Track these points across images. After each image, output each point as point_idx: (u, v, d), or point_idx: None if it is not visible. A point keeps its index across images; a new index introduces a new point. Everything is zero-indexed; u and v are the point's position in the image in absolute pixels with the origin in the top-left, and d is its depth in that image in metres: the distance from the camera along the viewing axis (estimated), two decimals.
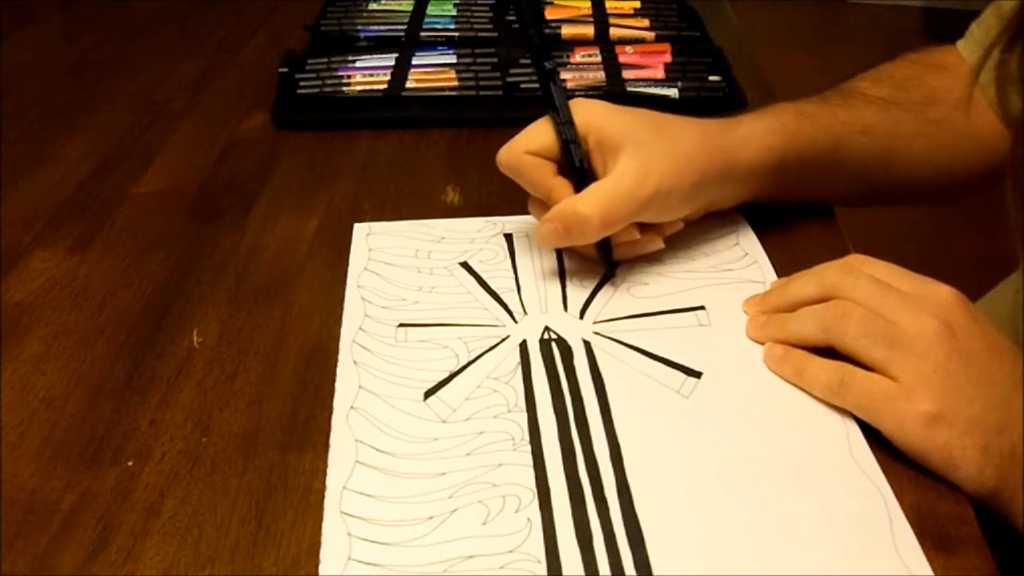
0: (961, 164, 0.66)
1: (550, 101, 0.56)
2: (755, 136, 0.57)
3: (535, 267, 0.59)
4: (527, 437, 0.47)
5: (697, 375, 0.50)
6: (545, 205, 0.56)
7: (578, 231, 0.54)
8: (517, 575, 0.40)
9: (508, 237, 0.62)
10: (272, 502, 0.44)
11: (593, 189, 0.54)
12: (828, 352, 0.49)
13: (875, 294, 0.48)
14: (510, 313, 0.55)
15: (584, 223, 0.53)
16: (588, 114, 0.55)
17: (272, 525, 0.43)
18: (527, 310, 0.55)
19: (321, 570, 0.40)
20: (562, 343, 0.53)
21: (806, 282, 0.51)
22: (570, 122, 0.55)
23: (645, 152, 0.54)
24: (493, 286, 0.57)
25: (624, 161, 0.54)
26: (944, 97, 0.65)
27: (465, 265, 0.59)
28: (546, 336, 0.53)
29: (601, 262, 0.57)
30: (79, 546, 0.42)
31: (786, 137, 0.58)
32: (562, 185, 0.55)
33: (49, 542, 0.42)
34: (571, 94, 0.57)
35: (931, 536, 0.41)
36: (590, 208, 0.53)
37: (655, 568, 0.40)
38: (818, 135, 0.59)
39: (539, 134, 0.56)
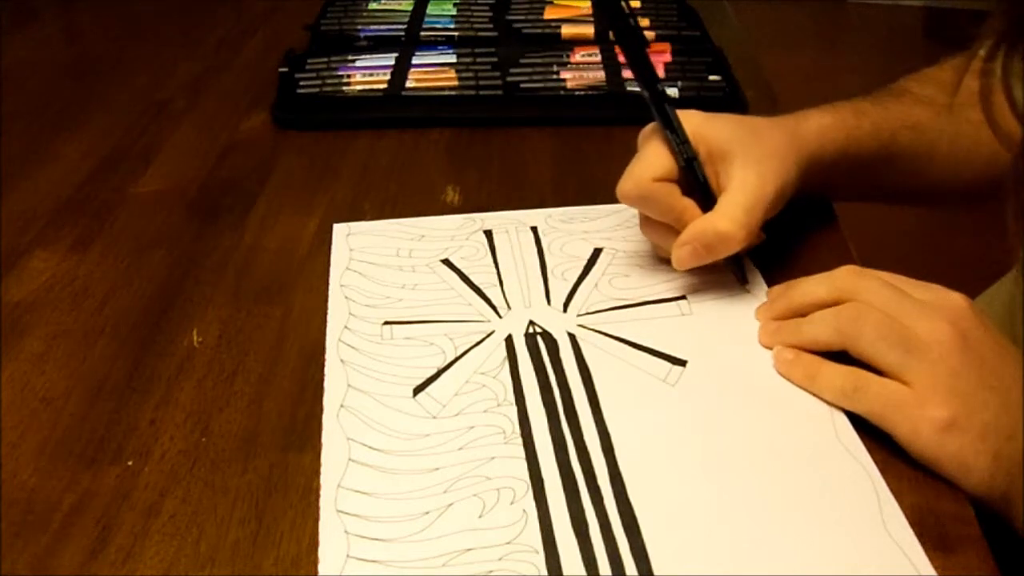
0: (999, 166, 0.67)
1: (667, 123, 0.54)
2: (822, 129, 0.59)
3: (516, 262, 0.59)
4: (518, 430, 0.47)
5: (682, 363, 0.51)
6: (668, 228, 0.55)
7: (722, 247, 0.53)
8: (515, 566, 0.40)
9: (488, 233, 0.62)
10: (272, 502, 0.44)
11: (725, 204, 0.53)
12: (836, 358, 0.48)
13: (890, 298, 0.47)
14: (494, 308, 0.55)
15: (727, 239, 0.53)
16: (692, 127, 0.55)
17: (272, 525, 0.43)
18: (511, 305, 0.56)
19: (320, 569, 0.40)
20: (547, 336, 0.53)
21: (817, 285, 0.51)
22: (688, 140, 0.54)
23: (753, 156, 0.54)
24: (476, 282, 0.57)
25: (739, 169, 0.54)
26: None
27: (447, 262, 0.59)
28: (531, 330, 0.53)
29: (735, 275, 0.56)
30: (79, 546, 0.42)
31: (846, 131, 0.60)
32: (691, 205, 0.54)
33: (49, 542, 0.42)
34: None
35: (931, 536, 0.41)
36: (730, 224, 0.52)
37: (651, 554, 0.40)
38: (874, 130, 0.61)
39: (659, 158, 0.54)
